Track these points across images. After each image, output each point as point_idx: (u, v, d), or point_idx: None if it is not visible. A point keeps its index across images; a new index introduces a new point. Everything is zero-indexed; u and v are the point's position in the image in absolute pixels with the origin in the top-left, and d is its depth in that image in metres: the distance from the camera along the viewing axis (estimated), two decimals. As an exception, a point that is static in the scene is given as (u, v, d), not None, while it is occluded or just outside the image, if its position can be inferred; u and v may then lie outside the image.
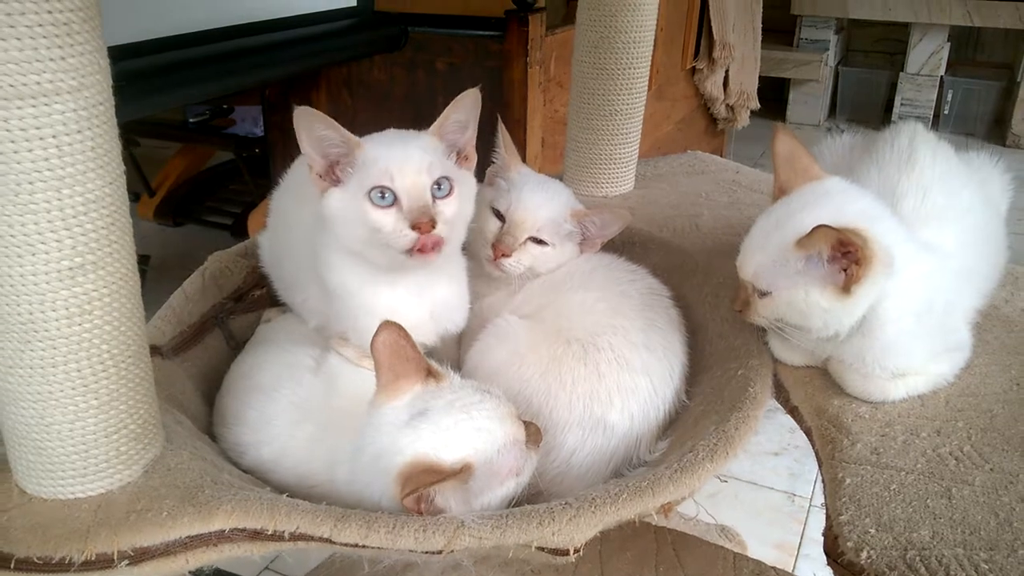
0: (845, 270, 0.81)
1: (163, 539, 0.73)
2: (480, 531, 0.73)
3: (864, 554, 0.69)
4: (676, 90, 3.26)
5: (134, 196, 2.84)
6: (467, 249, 1.04)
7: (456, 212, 0.89)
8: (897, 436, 0.82)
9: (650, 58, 1.35)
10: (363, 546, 0.73)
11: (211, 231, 2.90)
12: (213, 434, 0.98)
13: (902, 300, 0.83)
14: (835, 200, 0.86)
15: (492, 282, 1.08)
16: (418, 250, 0.86)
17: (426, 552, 0.73)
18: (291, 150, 0.93)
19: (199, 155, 3.21)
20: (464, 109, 0.91)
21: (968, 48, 4.45)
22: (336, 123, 0.87)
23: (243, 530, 0.74)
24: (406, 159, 0.87)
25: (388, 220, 0.86)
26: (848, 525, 0.72)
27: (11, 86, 0.64)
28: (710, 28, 3.26)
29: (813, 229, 0.79)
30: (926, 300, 0.85)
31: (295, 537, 0.74)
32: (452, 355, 1.06)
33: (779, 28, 4.20)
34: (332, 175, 0.89)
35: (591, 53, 1.32)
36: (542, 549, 0.75)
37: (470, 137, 0.95)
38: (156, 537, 0.73)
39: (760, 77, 3.60)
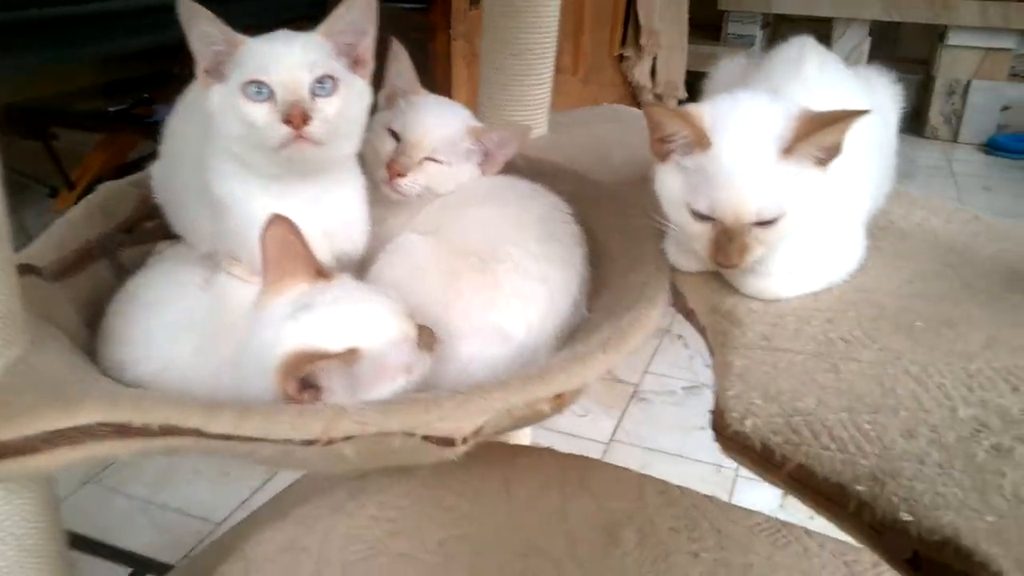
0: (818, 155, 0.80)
1: (21, 433, 0.68)
2: (361, 416, 0.70)
3: (749, 422, 0.69)
4: (603, 76, 3.30)
5: (52, 191, 2.76)
6: (366, 172, 1.02)
7: (338, 112, 0.87)
8: (789, 325, 0.83)
9: (559, -1, 1.34)
10: (236, 437, 0.70)
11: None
12: (95, 356, 0.93)
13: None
14: (757, 105, 0.84)
15: (392, 205, 1.06)
16: (294, 139, 0.84)
17: (304, 441, 0.70)
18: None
19: (120, 146, 3.12)
20: (357, 9, 0.89)
21: (888, 43, 4.59)
22: (220, 20, 0.85)
23: (108, 424, 0.70)
24: (285, 54, 0.85)
25: (261, 114, 0.84)
26: (735, 399, 0.71)
27: None
28: (637, 16, 3.31)
29: (800, 127, 0.78)
30: (820, 194, 0.85)
31: (164, 431, 0.70)
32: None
33: (707, 23, 4.28)
34: (218, 71, 0.87)
35: (498, -10, 1.31)
36: (428, 439, 0.72)
37: (367, 44, 0.92)
38: (14, 430, 0.68)
39: (689, 72, 3.65)
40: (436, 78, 2.40)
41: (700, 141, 0.81)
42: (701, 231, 0.83)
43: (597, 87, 3.25)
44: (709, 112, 0.82)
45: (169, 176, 1.05)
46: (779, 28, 4.77)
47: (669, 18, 3.44)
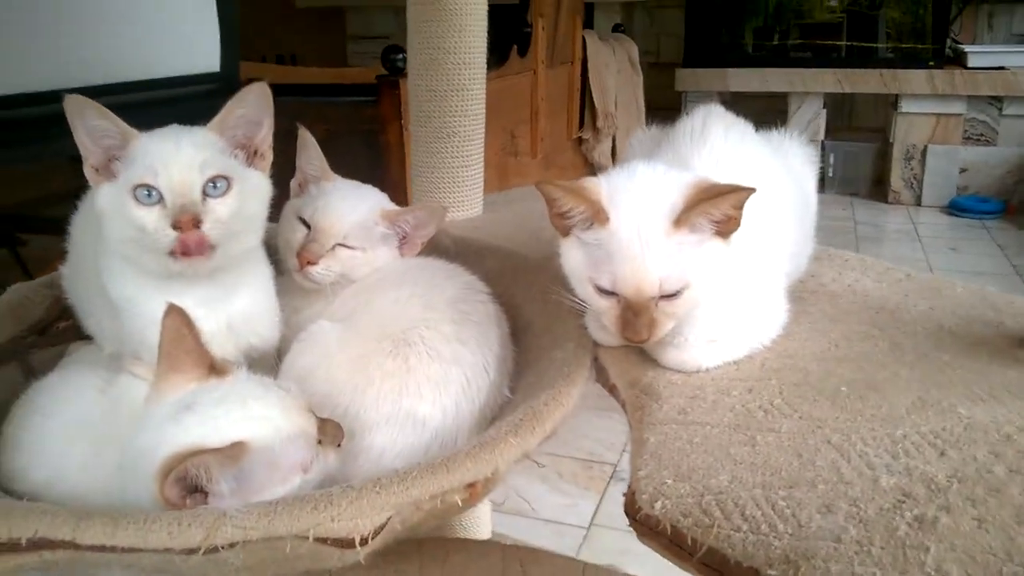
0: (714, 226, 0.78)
1: None
2: (244, 520, 0.65)
3: (659, 504, 0.64)
4: (564, 158, 3.34)
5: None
6: (279, 263, 1.00)
7: (233, 211, 0.84)
8: (708, 397, 0.79)
9: (484, 80, 1.35)
10: (112, 548, 0.64)
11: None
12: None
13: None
14: (650, 178, 0.83)
15: (309, 294, 1.03)
16: (182, 252, 0.81)
17: (185, 550, 0.65)
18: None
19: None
20: (249, 104, 0.87)
21: (844, 114, 4.70)
22: (112, 113, 0.83)
23: (-29, 541, 0.65)
24: (174, 153, 0.82)
25: (151, 218, 0.81)
26: (646, 479, 0.67)
27: None
28: (592, 100, 3.37)
29: (691, 206, 0.76)
30: (727, 258, 0.83)
31: (34, 544, 0.65)
32: (271, 374, 0.99)
33: (667, 105, 4.37)
34: (108, 170, 0.84)
35: (423, 76, 1.32)
36: (323, 541, 0.67)
37: (264, 135, 0.90)
38: None
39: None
40: (390, 168, 2.41)
41: (597, 216, 0.78)
42: (607, 306, 0.80)
43: (558, 169, 3.28)
44: (605, 186, 0.81)
45: (75, 277, 1.02)
46: (736, 106, 4.88)
47: (624, 100, 3.51)
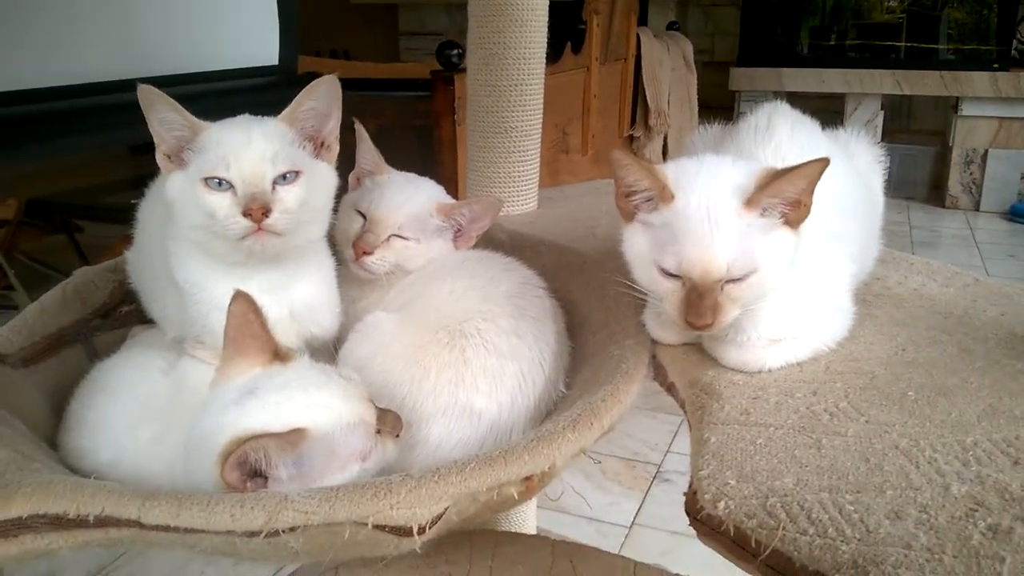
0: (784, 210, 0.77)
1: (-52, 527, 0.65)
2: (306, 505, 0.65)
3: (722, 505, 0.63)
4: (614, 156, 3.31)
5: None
6: (336, 253, 1.01)
7: (301, 201, 0.85)
8: (770, 398, 0.77)
9: (542, 75, 1.34)
10: (175, 528, 0.65)
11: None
12: (57, 444, 0.90)
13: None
14: (720, 164, 0.82)
15: (364, 285, 1.04)
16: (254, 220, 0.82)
17: (247, 533, 0.65)
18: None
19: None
20: (319, 96, 0.88)
21: (902, 116, 4.59)
22: (180, 106, 0.84)
23: (43, 516, 0.66)
24: (245, 145, 0.83)
25: (221, 205, 0.82)
26: (707, 479, 0.66)
27: None
28: (645, 98, 3.34)
29: (764, 186, 0.75)
30: (792, 257, 0.81)
31: (101, 521, 0.66)
32: (329, 363, 1.00)
33: (720, 104, 4.32)
34: (179, 157, 0.86)
35: (483, 71, 1.32)
36: (382, 528, 0.67)
37: (332, 128, 0.91)
38: (-60, 524, 0.65)
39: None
40: (443, 164, 2.42)
41: (662, 194, 0.77)
42: (671, 290, 0.78)
43: (608, 166, 3.25)
44: (672, 169, 0.80)
45: (140, 262, 1.04)
46: (791, 106, 4.81)
47: (678, 99, 3.47)
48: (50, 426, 0.94)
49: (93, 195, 3.09)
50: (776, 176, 0.74)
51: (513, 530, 1.40)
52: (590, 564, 1.00)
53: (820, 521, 0.60)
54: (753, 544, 0.60)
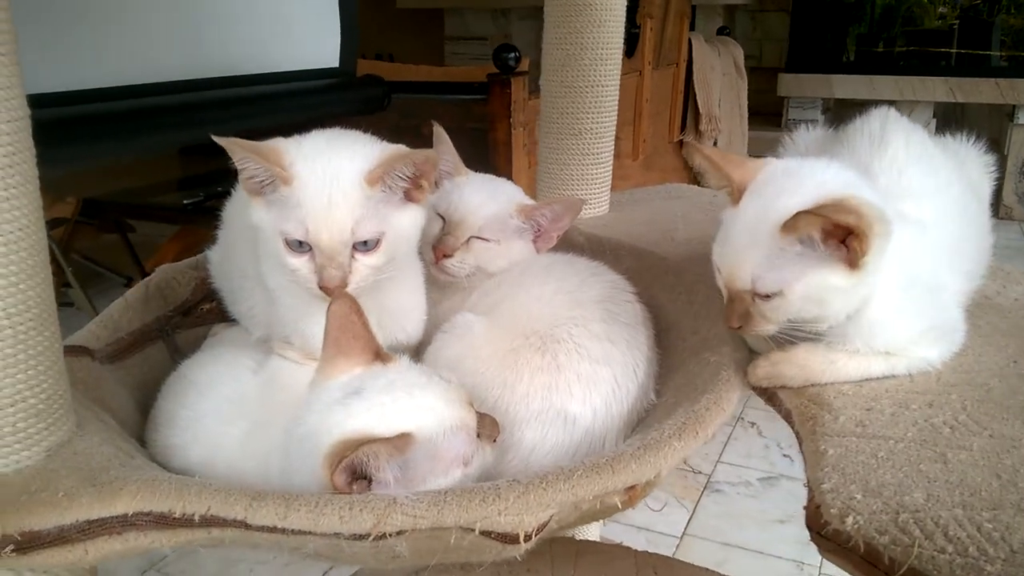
0: (843, 243, 0.73)
1: (57, 522, 0.65)
2: (415, 509, 0.64)
3: (850, 520, 0.61)
4: (665, 161, 3.29)
5: (127, 281, 2.83)
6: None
7: (381, 264, 0.83)
8: (884, 409, 0.75)
9: (618, 76, 1.33)
10: (281, 529, 0.64)
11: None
12: (144, 441, 0.90)
13: (886, 272, 0.77)
14: (805, 175, 0.80)
15: (446, 287, 1.03)
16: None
17: (354, 536, 0.64)
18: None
19: (194, 238, 3.19)
20: (415, 166, 0.82)
21: (954, 124, 4.50)
22: (266, 152, 0.80)
23: (148, 514, 0.66)
24: (326, 213, 0.79)
25: (299, 266, 0.81)
26: (831, 493, 0.64)
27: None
28: (696, 103, 3.31)
29: (794, 216, 0.72)
30: (909, 272, 0.79)
31: (206, 521, 0.66)
32: None
33: (768, 111, 4.28)
34: (261, 192, 0.82)
35: (559, 72, 1.30)
36: (488, 535, 0.66)
37: (432, 177, 0.86)
38: (49, 520, 0.65)
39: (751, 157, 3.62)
40: (497, 167, 2.41)
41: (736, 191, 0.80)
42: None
43: (658, 172, 3.23)
44: (738, 175, 0.83)
45: (226, 261, 1.03)
46: (840, 112, 4.74)
47: (728, 104, 3.43)
48: (135, 423, 0.94)
49: (143, 195, 3.12)
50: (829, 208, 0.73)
51: (580, 538, 1.38)
52: (675, 575, 0.98)
53: (959, 539, 0.57)
54: (886, 561, 0.57)
